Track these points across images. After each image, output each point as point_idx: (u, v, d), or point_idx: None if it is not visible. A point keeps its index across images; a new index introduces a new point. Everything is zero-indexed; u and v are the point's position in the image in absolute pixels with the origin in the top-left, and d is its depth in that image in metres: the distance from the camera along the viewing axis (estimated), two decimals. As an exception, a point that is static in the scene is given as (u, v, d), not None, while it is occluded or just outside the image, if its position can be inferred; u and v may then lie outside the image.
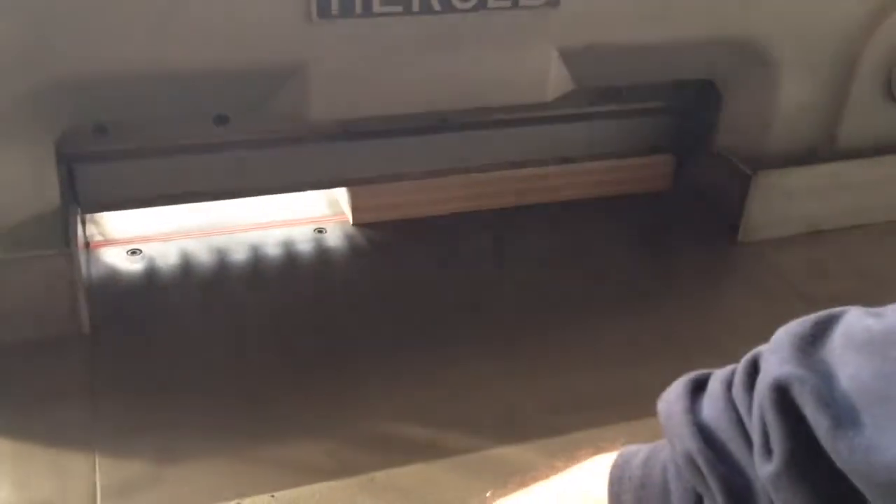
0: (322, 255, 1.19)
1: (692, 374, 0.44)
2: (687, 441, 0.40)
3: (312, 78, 1.03)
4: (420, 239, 1.23)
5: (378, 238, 1.23)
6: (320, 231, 1.24)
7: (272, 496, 0.80)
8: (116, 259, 1.14)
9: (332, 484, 0.83)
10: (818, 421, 0.35)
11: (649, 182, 1.36)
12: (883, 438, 0.33)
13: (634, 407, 0.92)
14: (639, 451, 0.45)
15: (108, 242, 1.18)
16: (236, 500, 0.80)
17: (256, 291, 1.11)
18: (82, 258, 1.03)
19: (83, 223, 1.15)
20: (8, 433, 0.86)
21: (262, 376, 0.97)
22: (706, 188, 1.30)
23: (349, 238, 1.23)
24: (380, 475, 0.84)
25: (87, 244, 1.15)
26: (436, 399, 0.95)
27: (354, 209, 1.26)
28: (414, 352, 1.02)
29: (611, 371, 1.01)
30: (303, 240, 1.22)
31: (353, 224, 1.25)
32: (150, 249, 1.17)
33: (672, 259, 1.24)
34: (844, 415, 0.35)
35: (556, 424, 0.90)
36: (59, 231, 0.98)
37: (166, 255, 1.16)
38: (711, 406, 0.41)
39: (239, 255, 1.17)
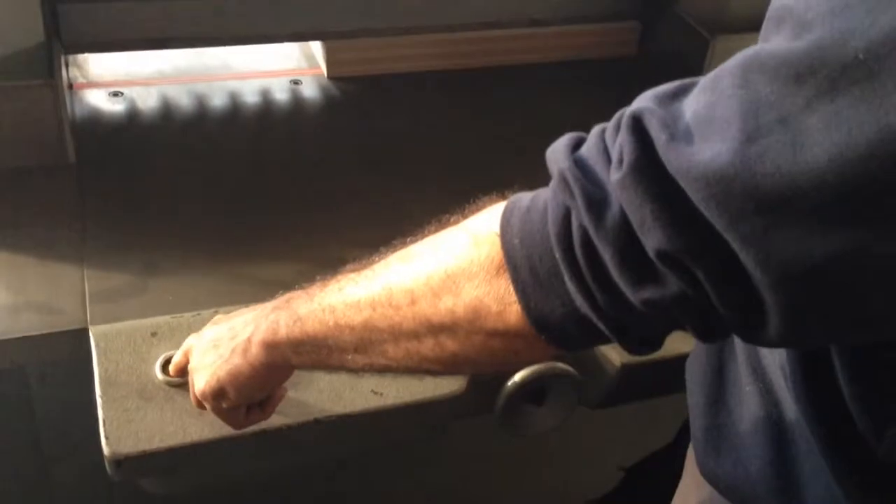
0: (298, 103, 1.24)
1: (577, 132, 0.51)
2: (562, 164, 0.48)
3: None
4: (391, 92, 1.28)
5: (351, 90, 1.28)
6: (296, 83, 1.29)
7: (246, 308, 0.88)
8: (98, 100, 1.19)
9: (302, 299, 0.90)
10: (658, 137, 0.42)
11: (615, 47, 1.41)
12: (704, 146, 0.41)
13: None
14: (531, 192, 0.53)
15: (90, 84, 1.22)
16: (214, 309, 0.87)
17: (234, 133, 1.17)
18: (66, 97, 1.08)
19: (66, 65, 1.18)
20: (1, 247, 0.92)
21: (240, 208, 1.04)
22: (669, 53, 1.35)
23: (324, 89, 1.28)
24: (346, 293, 0.92)
25: (69, 85, 1.19)
26: (402, 232, 1.02)
27: (329, 62, 1.30)
28: (383, 191, 1.09)
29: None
30: (279, 89, 1.26)
31: (329, 77, 1.30)
32: (131, 92, 1.21)
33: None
34: (680, 134, 0.42)
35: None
36: (43, 64, 1.02)
37: (147, 98, 1.20)
38: (586, 144, 0.49)
39: (217, 100, 1.22)
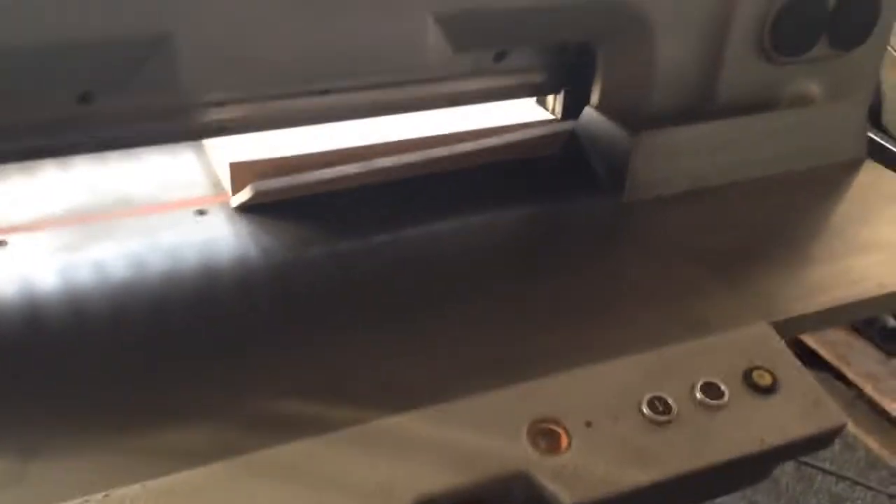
0: (204, 239, 1.15)
1: None
2: None
3: (179, 51, 0.99)
4: (305, 216, 1.20)
5: (262, 219, 1.19)
6: (202, 213, 1.20)
7: (143, 485, 0.77)
8: (-22, 252, 1.08)
9: (210, 468, 0.79)
10: None
11: (537, 147, 1.36)
12: None
13: (523, 371, 0.93)
14: None
15: (-30, 235, 1.11)
16: (104, 493, 0.76)
17: (134, 278, 1.06)
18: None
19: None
20: None
21: (139, 367, 0.92)
22: (592, 151, 1.31)
23: (231, 219, 1.19)
24: (260, 455, 0.81)
25: (-55, 237, 1.08)
26: (320, 377, 0.93)
27: (236, 190, 1.22)
28: (298, 332, 0.99)
29: (500, 338, 1.00)
30: (183, 223, 1.17)
31: (235, 206, 1.21)
32: (16, 240, 1.11)
33: (560, 223, 1.25)
34: None
35: (441, 392, 0.89)
36: None
37: (35, 246, 1.10)
38: None
39: (115, 242, 1.12)
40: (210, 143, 1.29)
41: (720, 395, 0.92)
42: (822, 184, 1.34)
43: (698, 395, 0.92)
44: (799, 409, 0.93)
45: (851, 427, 2.36)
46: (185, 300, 1.03)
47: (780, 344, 0.99)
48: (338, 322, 1.01)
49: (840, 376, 2.43)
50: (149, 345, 0.96)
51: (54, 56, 0.95)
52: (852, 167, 1.38)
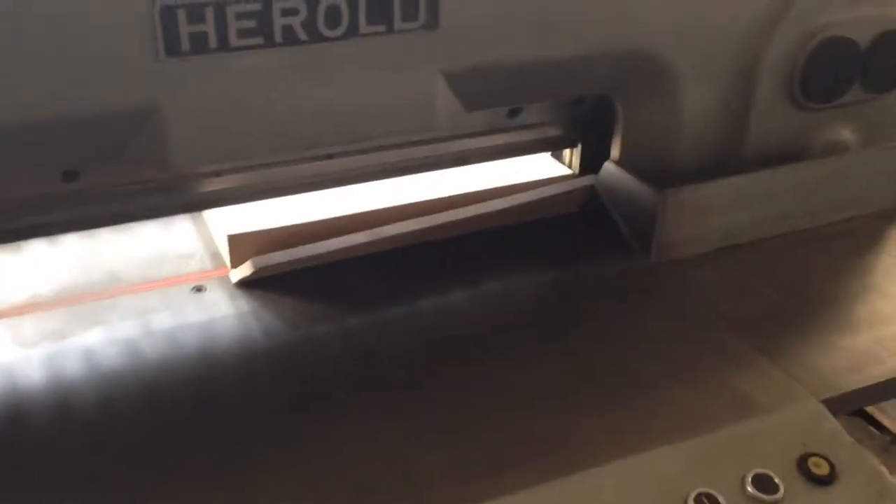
0: (202, 320, 1.06)
1: None
2: None
3: (169, 123, 0.92)
4: (310, 290, 1.12)
5: (264, 294, 1.11)
6: (199, 289, 1.12)
7: None
8: (-41, 343, 1.00)
9: None
10: None
11: (555, 206, 1.28)
12: None
13: (556, 459, 0.84)
14: None
15: (-50, 323, 1.03)
16: None
17: (126, 369, 0.97)
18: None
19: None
20: None
21: (131, 472, 0.84)
22: (614, 208, 1.23)
23: (231, 296, 1.11)
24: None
25: (-76, 328, 1.00)
26: (331, 472, 0.84)
27: (236, 264, 1.14)
28: (306, 423, 0.90)
29: (525, 418, 0.91)
30: (180, 302, 1.09)
31: (236, 282, 1.13)
32: (2, 327, 1.03)
33: (585, 286, 1.16)
34: None
35: (468, 492, 0.81)
36: None
37: (21, 331, 1.02)
38: None
39: (105, 327, 1.04)
40: (208, 211, 1.22)
41: (774, 488, 0.83)
42: (861, 235, 1.26)
43: (750, 488, 0.83)
44: (862, 501, 0.83)
45: (887, 475, 2.25)
46: (182, 392, 0.95)
47: (834, 424, 0.90)
48: (348, 409, 0.92)
49: (873, 421, 2.32)
50: (142, 445, 0.87)
51: (32, 134, 0.88)
52: (891, 216, 1.30)
